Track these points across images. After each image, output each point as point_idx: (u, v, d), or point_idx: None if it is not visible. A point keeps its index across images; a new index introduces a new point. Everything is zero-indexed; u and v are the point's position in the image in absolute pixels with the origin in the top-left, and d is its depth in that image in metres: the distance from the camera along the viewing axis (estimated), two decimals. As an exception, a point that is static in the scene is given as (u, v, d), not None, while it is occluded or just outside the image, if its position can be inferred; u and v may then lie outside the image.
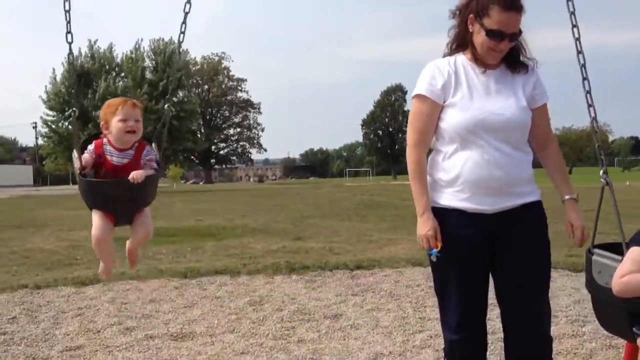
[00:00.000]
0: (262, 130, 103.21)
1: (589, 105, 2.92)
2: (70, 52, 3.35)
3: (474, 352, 3.00)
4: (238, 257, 8.72)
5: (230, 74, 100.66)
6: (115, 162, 3.18)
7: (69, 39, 3.28)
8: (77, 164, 3.19)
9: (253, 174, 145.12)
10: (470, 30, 2.80)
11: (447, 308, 2.98)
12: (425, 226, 2.76)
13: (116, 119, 3.15)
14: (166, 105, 3.62)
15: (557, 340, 4.52)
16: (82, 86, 47.90)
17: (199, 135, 74.40)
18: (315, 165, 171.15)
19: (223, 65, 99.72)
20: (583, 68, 2.95)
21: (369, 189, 39.48)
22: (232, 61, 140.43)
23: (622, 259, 2.50)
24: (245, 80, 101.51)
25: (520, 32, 2.77)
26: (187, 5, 3.34)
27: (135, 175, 3.07)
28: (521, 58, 2.87)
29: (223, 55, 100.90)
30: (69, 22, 3.25)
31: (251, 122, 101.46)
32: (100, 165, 3.20)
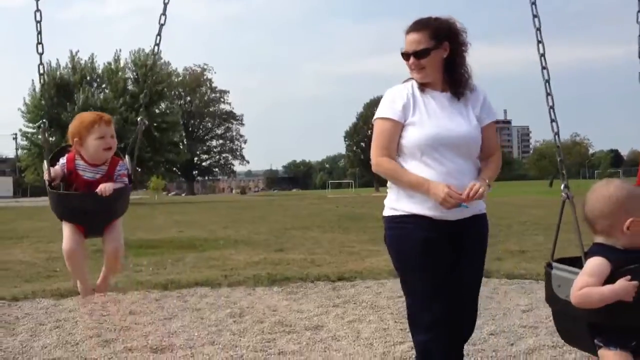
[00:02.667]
0: (245, 142, 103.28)
1: (552, 120, 3.08)
2: (41, 63, 3.32)
3: (444, 349, 3.14)
4: (219, 269, 8.67)
5: (213, 85, 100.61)
6: (88, 178, 3.18)
7: (40, 50, 3.28)
8: (46, 176, 3.19)
9: (235, 185, 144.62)
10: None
11: (418, 310, 3.15)
12: (439, 190, 2.97)
13: (93, 137, 3.15)
14: (139, 118, 3.60)
15: (537, 351, 4.54)
16: (62, 98, 47.50)
17: (181, 147, 74.13)
18: (298, 177, 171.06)
19: (205, 77, 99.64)
20: (547, 83, 3.08)
21: (351, 201, 39.52)
22: (215, 73, 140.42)
23: (579, 272, 2.52)
24: (228, 92, 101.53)
25: (428, 49, 3.11)
26: (162, 17, 3.47)
27: (104, 188, 3.07)
28: (463, 81, 3.19)
29: (205, 66, 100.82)
30: (39, 33, 3.27)
31: (234, 133, 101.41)
32: (72, 181, 3.20)
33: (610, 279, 2.39)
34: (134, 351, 4.68)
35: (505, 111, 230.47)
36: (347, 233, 14.37)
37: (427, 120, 3.11)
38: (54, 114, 46.84)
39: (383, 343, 4.77)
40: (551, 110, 3.07)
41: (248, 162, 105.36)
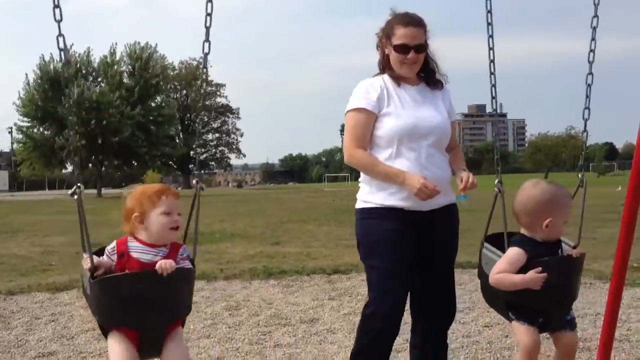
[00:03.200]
0: (241, 135, 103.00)
1: (493, 98, 3.29)
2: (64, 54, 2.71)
3: (392, 336, 3.26)
4: (215, 262, 8.68)
5: (209, 79, 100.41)
6: (145, 260, 2.61)
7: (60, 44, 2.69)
8: (86, 264, 2.59)
9: (232, 179, 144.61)
10: (386, 52, 3.25)
11: (380, 292, 3.18)
12: (414, 180, 2.99)
13: (157, 212, 2.64)
14: (194, 181, 2.81)
15: (509, 334, 4.55)
16: (56, 92, 47.30)
17: (177, 141, 73.99)
18: (294, 170, 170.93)
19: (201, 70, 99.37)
20: (492, 62, 3.24)
21: (348, 194, 39.51)
22: (211, 66, 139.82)
23: (502, 255, 2.96)
24: (224, 85, 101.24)
25: (425, 44, 3.20)
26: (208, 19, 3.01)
27: (164, 265, 2.51)
28: (437, 75, 3.31)
29: (201, 60, 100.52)
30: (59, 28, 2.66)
31: (230, 127, 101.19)
32: (123, 266, 2.62)
33: (525, 267, 2.84)
34: (130, 344, 4.68)
35: (500, 104, 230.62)
36: (343, 226, 14.37)
37: (402, 110, 3.16)
38: (49, 107, 46.71)
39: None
40: (493, 88, 3.26)
41: (244, 155, 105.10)
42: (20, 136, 50.76)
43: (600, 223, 12.22)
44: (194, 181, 2.79)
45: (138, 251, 2.64)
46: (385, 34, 3.25)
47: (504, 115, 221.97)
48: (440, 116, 3.23)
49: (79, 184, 2.60)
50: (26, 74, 49.78)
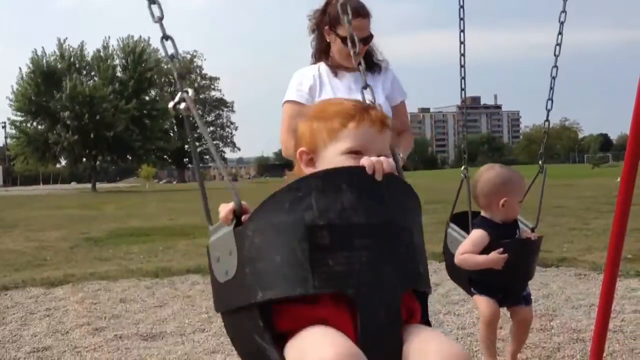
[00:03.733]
0: (236, 129, 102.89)
1: (462, 89, 3.61)
2: None
3: None
4: (210, 256, 8.66)
5: (203, 72, 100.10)
6: None
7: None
8: (225, 211, 1.76)
9: (227, 172, 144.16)
10: (328, 40, 3.20)
11: None
12: None
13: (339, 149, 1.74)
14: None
15: (504, 326, 4.56)
16: (50, 86, 47.13)
17: (171, 134, 73.88)
18: (289, 163, 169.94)
19: (195, 64, 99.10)
20: (462, 44, 3.38)
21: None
22: (205, 59, 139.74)
23: (466, 236, 3.24)
24: (218, 78, 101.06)
25: (371, 35, 3.17)
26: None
27: (377, 160, 1.57)
28: (374, 60, 3.29)
29: (195, 53, 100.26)
30: None
31: (224, 120, 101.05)
32: None
33: (487, 248, 3.10)
34: (125, 339, 4.68)
35: (495, 96, 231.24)
36: (338, 219, 14.37)
37: (333, 97, 3.08)
38: (42, 102, 46.58)
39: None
40: (463, 80, 3.51)
41: (239, 149, 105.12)
42: (14, 131, 50.64)
43: (595, 214, 12.26)
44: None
45: None
46: (329, 24, 3.17)
47: (499, 107, 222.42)
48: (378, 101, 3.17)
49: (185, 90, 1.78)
50: (20, 68, 49.66)
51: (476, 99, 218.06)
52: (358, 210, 1.44)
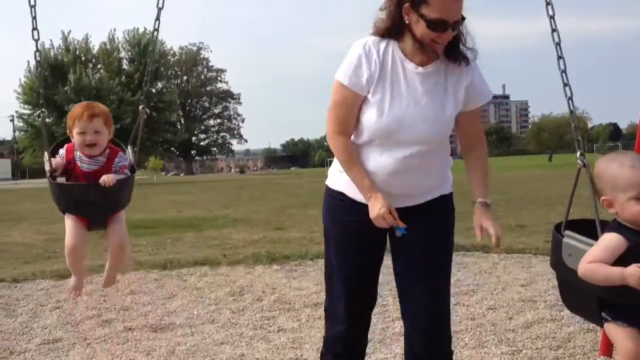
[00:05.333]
0: (243, 121, 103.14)
1: (565, 84, 2.79)
2: (37, 49, 3.25)
3: (356, 345, 2.93)
4: (218, 248, 8.69)
5: (210, 64, 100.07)
6: (85, 169, 3.12)
7: (35, 32, 3.21)
8: (47, 167, 3.10)
9: (234, 165, 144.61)
10: (407, 21, 2.49)
11: (335, 297, 2.89)
12: (376, 207, 2.52)
13: (75, 132, 3.09)
14: (140, 107, 3.43)
15: (536, 325, 4.56)
16: (56, 78, 47.22)
17: (178, 127, 73.90)
18: (296, 155, 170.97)
19: (202, 56, 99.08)
20: (558, 46, 2.80)
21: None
22: (211, 51, 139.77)
23: (594, 244, 2.40)
24: (225, 70, 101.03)
25: (463, 18, 2.47)
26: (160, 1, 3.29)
27: (107, 179, 3.00)
28: (461, 47, 2.56)
29: (201, 45, 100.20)
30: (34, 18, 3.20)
31: (231, 112, 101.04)
32: (71, 171, 3.14)
33: (624, 258, 2.26)
34: (134, 331, 4.70)
35: (503, 86, 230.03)
36: (346, 210, 14.38)
37: (387, 106, 2.55)
38: (49, 95, 46.70)
39: (382, 319, 4.78)
40: (563, 74, 2.79)
41: (246, 141, 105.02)
42: (22, 124, 50.79)
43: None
44: (140, 108, 3.40)
45: (80, 160, 3.12)
46: (412, 0, 2.44)
47: (507, 97, 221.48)
48: (436, 119, 2.57)
49: (42, 110, 3.29)
50: (28, 61, 49.76)
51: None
52: (95, 197, 3.12)
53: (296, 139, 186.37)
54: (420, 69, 2.56)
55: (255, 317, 5.02)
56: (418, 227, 2.63)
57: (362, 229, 2.68)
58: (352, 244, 2.77)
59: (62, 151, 3.17)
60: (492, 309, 5.00)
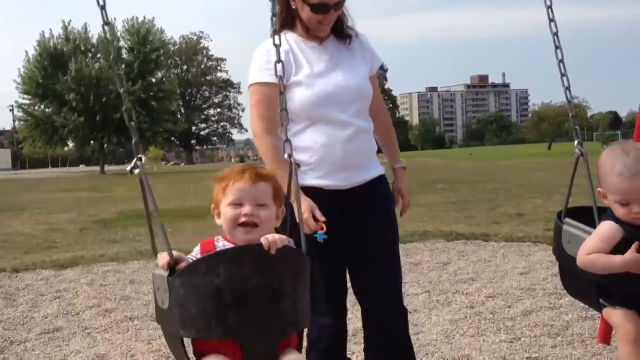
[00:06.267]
0: (243, 110, 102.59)
1: (562, 75, 2.81)
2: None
3: (340, 335, 2.95)
4: (218, 237, 8.69)
5: (209, 53, 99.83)
6: None
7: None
8: (162, 261, 1.99)
9: (234, 154, 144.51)
10: (294, 7, 2.71)
11: (315, 293, 2.67)
12: (302, 206, 2.41)
13: (226, 202, 2.09)
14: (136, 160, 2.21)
15: (534, 313, 4.57)
16: (56, 68, 47.10)
17: (178, 116, 73.82)
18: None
19: (202, 45, 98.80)
20: (555, 36, 2.79)
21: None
22: (211, 40, 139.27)
23: (592, 231, 2.45)
24: (225, 59, 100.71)
25: (343, 0, 2.70)
26: None
27: (272, 239, 1.95)
28: (344, 28, 2.81)
29: (201, 34, 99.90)
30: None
31: (231, 102, 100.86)
32: None
33: (621, 246, 2.30)
34: (135, 320, 4.72)
35: (503, 74, 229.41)
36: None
37: (312, 78, 2.70)
38: (49, 84, 46.60)
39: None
40: (560, 64, 2.79)
41: (246, 130, 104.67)
42: (22, 114, 50.72)
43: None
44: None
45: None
46: None
47: (507, 85, 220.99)
48: (358, 77, 2.77)
49: (139, 156, 2.08)
50: (26, 51, 49.60)
51: (484, 78, 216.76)
52: (252, 277, 1.93)
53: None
54: (323, 44, 2.78)
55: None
56: (364, 219, 2.78)
57: (329, 218, 2.60)
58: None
59: (195, 249, 2.10)
60: (491, 297, 5.02)
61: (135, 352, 4.10)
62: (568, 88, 2.83)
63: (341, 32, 2.81)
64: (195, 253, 2.08)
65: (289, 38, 2.75)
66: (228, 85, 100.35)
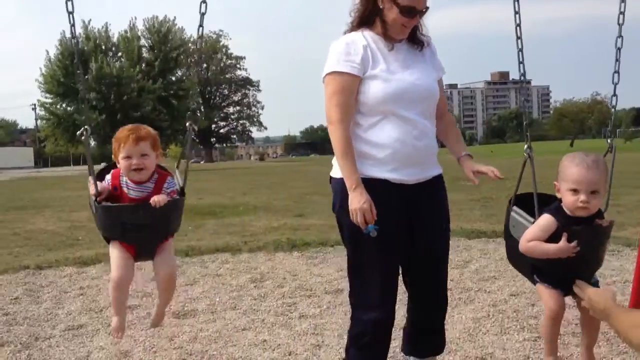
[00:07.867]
0: (262, 108, 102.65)
1: (520, 62, 3.16)
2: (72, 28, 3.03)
3: (386, 327, 3.03)
4: (239, 235, 8.73)
5: (229, 51, 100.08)
6: (133, 196, 2.97)
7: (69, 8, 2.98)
8: (92, 190, 2.95)
9: (254, 152, 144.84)
10: (381, 7, 2.82)
11: (369, 285, 2.95)
12: (359, 200, 2.70)
13: (120, 156, 2.95)
14: (187, 123, 3.22)
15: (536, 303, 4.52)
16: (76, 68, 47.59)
17: (198, 114, 74.08)
18: (316, 142, 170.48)
19: (221, 43, 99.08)
20: (518, 27, 3.11)
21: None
22: (230, 39, 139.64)
23: (533, 221, 2.86)
24: (244, 58, 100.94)
25: (427, 8, 2.85)
26: (203, 5, 3.12)
27: (157, 199, 2.88)
28: (418, 34, 2.95)
29: (221, 33, 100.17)
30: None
31: (251, 100, 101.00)
32: (117, 199, 2.98)
33: (555, 235, 2.75)
34: (157, 317, 4.74)
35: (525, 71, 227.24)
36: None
37: (389, 73, 2.82)
38: (71, 84, 47.03)
39: (402, 305, 4.77)
40: (520, 52, 3.14)
41: (266, 128, 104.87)
42: (44, 113, 51.28)
43: (627, 190, 12.06)
44: (187, 123, 3.22)
45: (128, 187, 2.99)
46: None
47: (529, 82, 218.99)
48: (429, 78, 2.92)
49: (85, 127, 3.05)
50: (47, 51, 50.12)
51: (505, 74, 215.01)
52: (144, 219, 2.94)
53: (315, 126, 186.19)
54: (401, 46, 2.91)
55: (277, 303, 5.05)
56: (425, 217, 2.96)
57: (394, 210, 2.82)
58: (388, 224, 2.78)
59: (107, 177, 3.02)
60: (514, 296, 4.98)
61: (158, 349, 4.13)
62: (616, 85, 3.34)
63: (415, 38, 2.95)
64: (108, 177, 3.03)
65: (367, 35, 2.88)
66: (247, 83, 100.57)
